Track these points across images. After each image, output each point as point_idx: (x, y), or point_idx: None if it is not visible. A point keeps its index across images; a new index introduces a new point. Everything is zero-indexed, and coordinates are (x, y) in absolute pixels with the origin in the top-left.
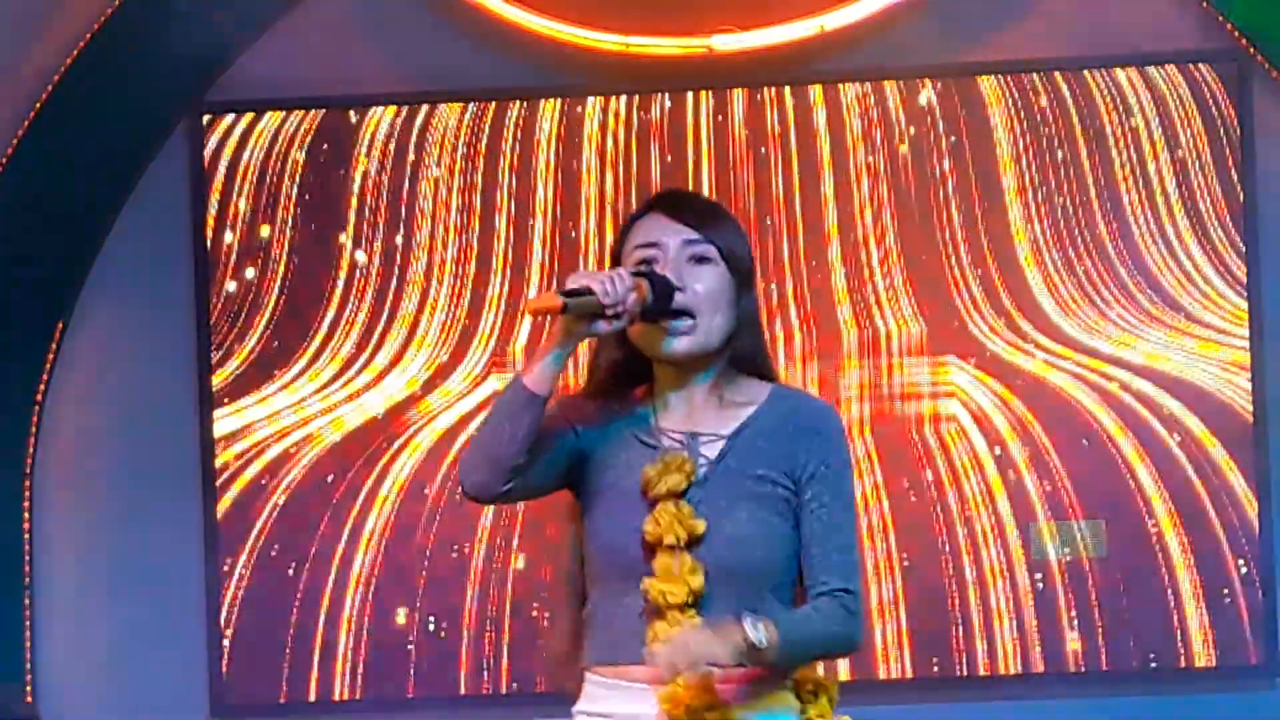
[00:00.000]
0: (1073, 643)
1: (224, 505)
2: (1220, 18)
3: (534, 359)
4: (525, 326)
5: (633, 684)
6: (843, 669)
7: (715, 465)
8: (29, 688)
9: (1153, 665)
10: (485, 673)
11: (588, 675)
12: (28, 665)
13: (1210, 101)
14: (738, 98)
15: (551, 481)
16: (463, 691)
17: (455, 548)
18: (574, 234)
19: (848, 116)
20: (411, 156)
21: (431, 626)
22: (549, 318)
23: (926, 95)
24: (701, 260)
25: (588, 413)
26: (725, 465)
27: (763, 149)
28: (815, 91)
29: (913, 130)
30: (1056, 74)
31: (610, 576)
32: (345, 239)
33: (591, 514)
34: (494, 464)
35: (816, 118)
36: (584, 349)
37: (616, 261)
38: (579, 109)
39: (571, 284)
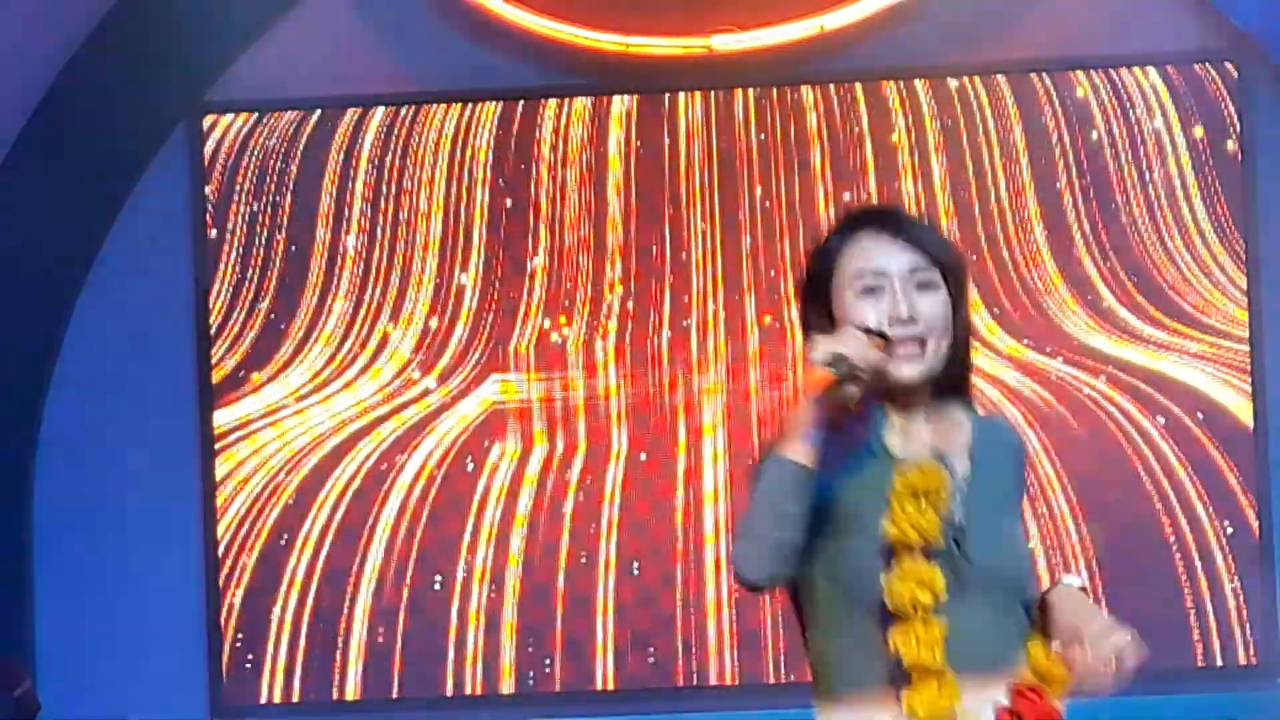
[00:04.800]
0: None
1: (224, 506)
2: (1220, 18)
3: (797, 434)
4: (527, 326)
5: (888, 709)
6: None
7: (972, 478)
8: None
9: (1153, 665)
10: (486, 672)
11: (828, 707)
12: (29, 665)
13: (1210, 101)
14: (738, 98)
15: None
16: (463, 691)
17: (455, 548)
18: (574, 233)
19: (848, 116)
20: (411, 156)
21: (431, 626)
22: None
23: (926, 95)
24: (926, 286)
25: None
26: (980, 477)
27: (762, 148)
28: (815, 91)
29: (912, 130)
30: (1056, 74)
31: (859, 605)
32: (345, 238)
33: (834, 543)
34: (782, 548)
35: (816, 117)
36: None
37: (821, 282)
38: (579, 109)
39: (823, 356)
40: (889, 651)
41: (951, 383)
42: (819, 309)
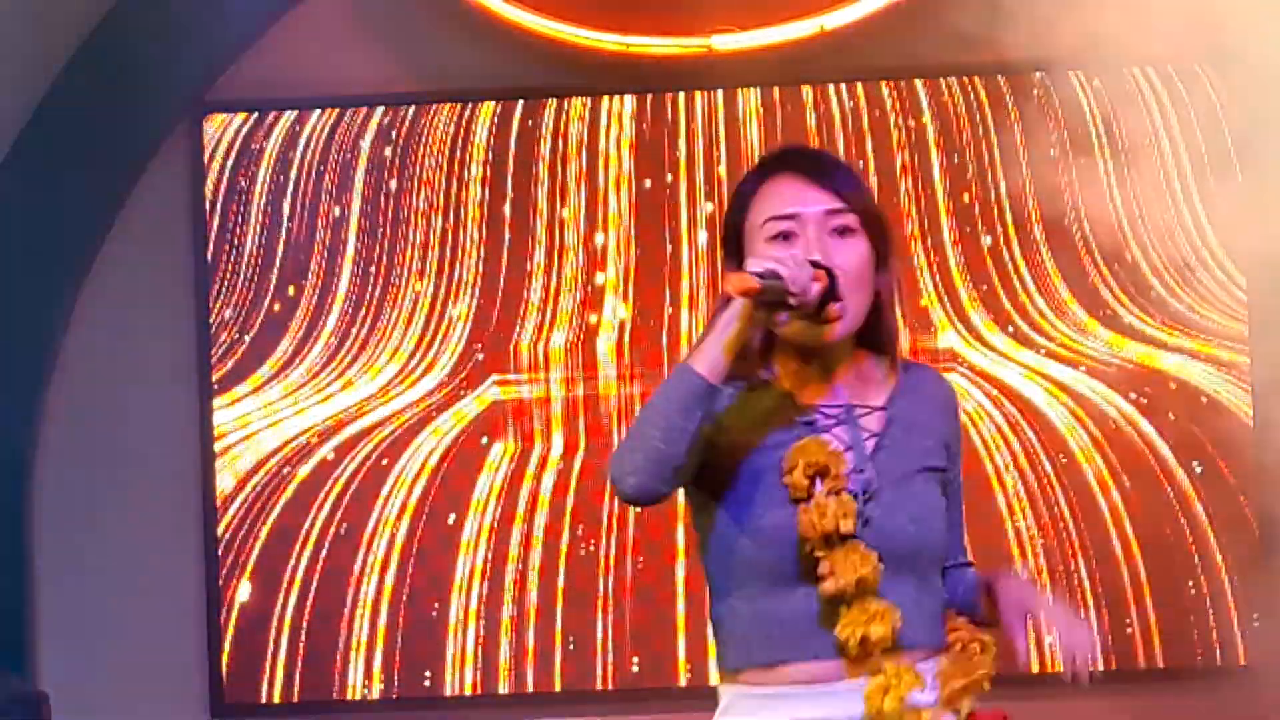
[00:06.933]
0: None
1: (224, 506)
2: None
3: (705, 346)
4: (528, 325)
5: (800, 688)
6: None
7: (882, 438)
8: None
9: (1151, 665)
10: (485, 672)
11: (731, 687)
12: (29, 666)
13: (1209, 101)
14: (738, 97)
15: (692, 476)
16: (463, 691)
17: (455, 546)
18: (574, 233)
19: (848, 116)
20: (411, 156)
21: (431, 626)
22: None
23: (925, 95)
24: (844, 232)
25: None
26: (892, 437)
27: (763, 148)
28: (815, 91)
29: (912, 130)
30: (1056, 74)
31: (774, 570)
32: (345, 238)
33: (745, 503)
34: (663, 464)
35: (815, 117)
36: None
37: (736, 231)
38: (578, 109)
39: (757, 267)
40: (824, 630)
41: (876, 339)
42: (735, 258)
